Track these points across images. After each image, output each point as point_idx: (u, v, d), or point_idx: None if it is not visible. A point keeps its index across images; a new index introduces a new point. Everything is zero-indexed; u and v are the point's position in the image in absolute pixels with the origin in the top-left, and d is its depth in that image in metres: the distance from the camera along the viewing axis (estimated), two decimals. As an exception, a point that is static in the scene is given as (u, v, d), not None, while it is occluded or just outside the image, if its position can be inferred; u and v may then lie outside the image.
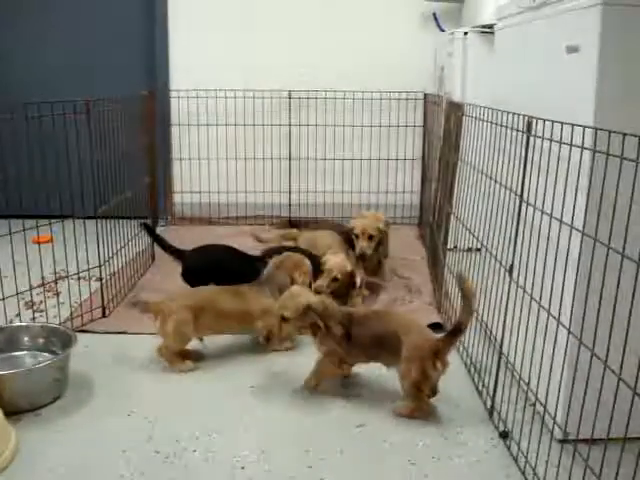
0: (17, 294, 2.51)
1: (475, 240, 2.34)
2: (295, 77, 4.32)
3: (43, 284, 2.69)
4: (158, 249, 3.54)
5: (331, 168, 4.48)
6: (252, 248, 3.32)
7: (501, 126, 2.07)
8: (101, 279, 2.81)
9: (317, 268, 2.78)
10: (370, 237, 3.08)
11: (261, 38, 4.32)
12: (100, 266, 2.72)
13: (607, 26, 1.61)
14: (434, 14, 4.27)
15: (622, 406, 1.35)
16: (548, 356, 1.72)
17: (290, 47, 4.33)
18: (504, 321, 1.98)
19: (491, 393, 2.04)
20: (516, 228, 1.91)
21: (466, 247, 2.49)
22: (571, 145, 1.57)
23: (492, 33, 2.71)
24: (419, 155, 4.42)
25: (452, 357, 2.43)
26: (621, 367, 1.35)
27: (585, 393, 1.49)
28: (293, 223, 4.16)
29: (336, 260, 2.85)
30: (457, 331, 2.00)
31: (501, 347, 2.01)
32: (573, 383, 1.59)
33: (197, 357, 2.42)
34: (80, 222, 2.55)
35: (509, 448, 1.86)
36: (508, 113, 1.99)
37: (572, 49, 1.76)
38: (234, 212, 4.49)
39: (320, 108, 4.38)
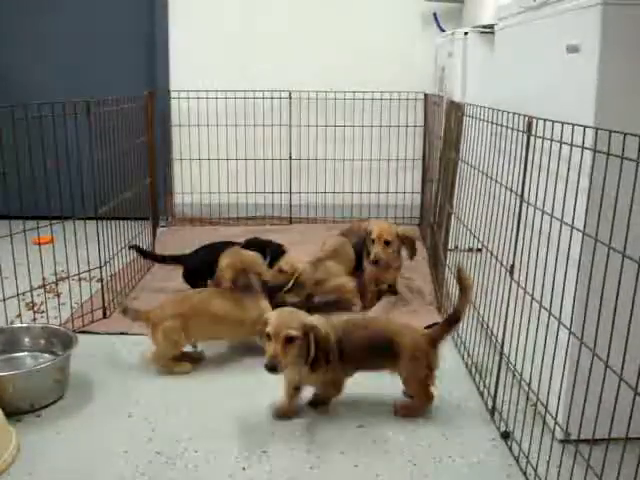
0: (18, 295, 2.51)
1: (476, 240, 2.34)
2: (295, 77, 4.32)
3: (44, 285, 2.69)
4: (160, 251, 3.55)
5: (332, 168, 4.48)
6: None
7: (501, 126, 2.07)
8: (102, 280, 2.81)
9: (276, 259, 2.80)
10: (387, 243, 2.85)
11: (261, 38, 4.32)
12: (101, 267, 2.72)
13: (607, 26, 1.61)
14: (434, 14, 4.27)
15: (623, 406, 1.35)
16: (549, 356, 1.72)
17: (290, 47, 4.33)
18: (505, 321, 1.98)
19: (492, 393, 2.04)
20: (517, 228, 1.91)
21: (467, 247, 2.48)
22: (572, 145, 1.57)
23: (492, 33, 2.71)
24: (420, 155, 4.42)
25: (453, 358, 2.45)
26: (622, 367, 1.35)
27: (586, 393, 1.49)
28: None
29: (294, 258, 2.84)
30: (453, 320, 2.04)
31: (502, 347, 2.01)
32: (574, 383, 1.59)
33: (196, 358, 2.42)
34: (81, 223, 2.55)
35: (510, 448, 1.86)
36: (508, 113, 1.99)
37: (573, 49, 1.75)
38: (235, 213, 4.49)
39: (321, 108, 4.38)
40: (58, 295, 2.88)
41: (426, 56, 4.22)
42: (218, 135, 4.40)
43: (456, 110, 2.72)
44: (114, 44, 4.36)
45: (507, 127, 2.01)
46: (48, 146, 2.34)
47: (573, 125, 1.56)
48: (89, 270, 2.77)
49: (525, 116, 1.83)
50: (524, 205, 1.88)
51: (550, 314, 1.71)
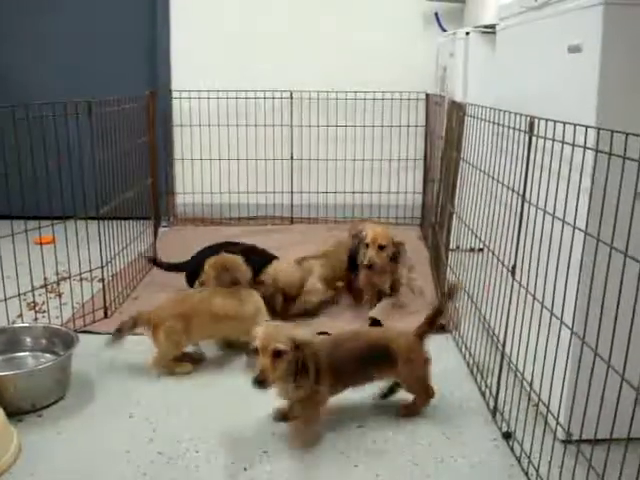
0: (19, 295, 2.51)
1: (477, 240, 2.33)
2: (296, 77, 4.32)
3: (45, 285, 2.69)
4: (161, 251, 3.55)
5: (333, 168, 4.47)
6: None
7: (503, 126, 2.07)
8: (103, 280, 2.81)
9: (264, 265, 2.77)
10: (381, 247, 2.76)
11: (263, 38, 4.32)
12: (102, 267, 2.72)
13: (609, 25, 1.61)
14: (436, 14, 4.27)
15: (625, 406, 1.35)
16: (551, 356, 1.72)
17: (291, 47, 4.33)
18: (507, 321, 1.98)
19: (494, 393, 2.03)
20: (518, 228, 1.91)
21: (468, 247, 2.48)
22: (573, 145, 1.57)
23: (494, 33, 2.71)
24: (421, 155, 4.41)
25: (455, 358, 2.45)
26: (624, 367, 1.34)
27: (588, 393, 1.48)
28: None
29: (280, 267, 2.78)
30: (436, 316, 2.06)
31: (504, 347, 2.01)
32: (576, 383, 1.58)
33: (197, 359, 2.42)
34: (82, 223, 2.55)
35: (512, 449, 1.86)
36: (510, 113, 1.99)
37: (574, 49, 1.75)
38: (236, 213, 4.49)
39: (322, 108, 4.38)
40: (59, 295, 2.88)
41: (427, 56, 4.21)
42: (220, 135, 4.40)
43: (458, 110, 2.72)
44: (115, 44, 4.36)
45: (509, 127, 2.01)
46: (50, 146, 2.34)
47: (575, 125, 1.55)
48: (90, 270, 2.76)
49: (527, 116, 1.82)
50: (526, 205, 1.87)
51: (552, 314, 1.70)
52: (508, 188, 2.04)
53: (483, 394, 2.16)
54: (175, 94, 4.35)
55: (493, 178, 2.19)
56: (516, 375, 2.06)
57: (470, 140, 2.47)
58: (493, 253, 2.14)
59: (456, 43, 3.47)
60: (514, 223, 1.94)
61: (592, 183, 1.58)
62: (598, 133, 1.46)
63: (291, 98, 4.33)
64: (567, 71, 1.83)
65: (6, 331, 2.33)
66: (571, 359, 1.66)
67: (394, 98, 4.34)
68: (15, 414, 1.97)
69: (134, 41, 4.37)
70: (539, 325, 1.80)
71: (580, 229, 1.56)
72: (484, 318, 2.29)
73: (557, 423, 1.75)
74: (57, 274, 2.81)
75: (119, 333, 2.25)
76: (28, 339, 2.33)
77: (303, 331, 1.87)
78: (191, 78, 4.34)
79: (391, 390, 2.11)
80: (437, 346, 2.54)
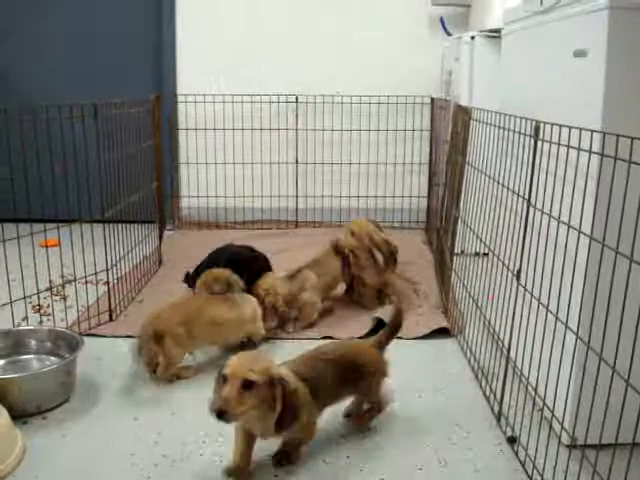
0: (24, 298, 2.52)
1: (482, 244, 2.33)
2: (302, 81, 4.33)
3: (50, 288, 2.70)
4: (166, 255, 3.56)
5: (338, 172, 4.48)
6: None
7: (508, 130, 2.07)
8: (108, 283, 2.81)
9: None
10: (352, 233, 2.95)
11: (268, 43, 4.33)
12: (107, 270, 2.73)
13: (614, 30, 1.61)
14: (441, 19, 4.27)
15: (630, 411, 1.35)
16: (556, 361, 1.72)
17: (297, 51, 4.34)
18: (511, 325, 1.97)
19: (498, 398, 2.03)
20: (524, 232, 1.91)
21: (473, 251, 2.48)
22: (579, 149, 1.57)
23: (499, 37, 2.71)
24: (426, 159, 4.42)
25: (459, 362, 2.44)
26: (629, 372, 1.34)
27: (593, 398, 1.48)
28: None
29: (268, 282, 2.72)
30: (395, 329, 2.01)
31: (508, 352, 2.01)
32: (581, 388, 1.58)
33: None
34: (87, 226, 2.56)
35: (517, 453, 1.85)
36: (515, 117, 1.99)
37: (580, 53, 1.75)
38: (241, 216, 4.50)
39: (327, 112, 4.39)
40: (64, 298, 2.89)
41: (433, 60, 4.22)
42: (225, 139, 4.41)
43: (463, 114, 2.72)
44: (121, 47, 4.37)
45: (514, 131, 2.01)
46: (55, 149, 2.35)
47: (580, 129, 1.55)
48: (95, 273, 2.77)
49: (532, 120, 1.82)
50: (531, 209, 1.87)
51: (557, 318, 1.70)
52: (513, 192, 2.04)
53: (488, 398, 2.16)
54: (180, 98, 4.37)
55: (498, 182, 2.19)
56: (521, 379, 2.06)
57: (475, 144, 2.47)
58: (498, 257, 2.14)
59: (461, 47, 3.47)
60: (519, 227, 1.94)
61: (597, 187, 1.58)
62: (604, 137, 1.45)
63: (296, 102, 4.34)
64: (572, 75, 1.83)
65: (11, 334, 2.33)
66: (576, 364, 1.65)
67: (399, 102, 4.34)
68: (20, 416, 1.98)
69: (140, 45, 4.38)
70: (544, 329, 1.79)
71: (585, 234, 1.56)
72: (489, 322, 2.29)
73: (562, 428, 1.75)
74: (62, 277, 2.81)
75: (141, 351, 2.25)
76: (33, 342, 2.33)
77: (283, 368, 1.69)
78: (197, 82, 4.36)
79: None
80: (441, 350, 2.56)
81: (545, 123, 1.75)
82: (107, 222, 2.68)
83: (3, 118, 2.13)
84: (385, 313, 2.78)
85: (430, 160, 4.36)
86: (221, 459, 1.82)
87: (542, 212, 1.82)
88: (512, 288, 1.98)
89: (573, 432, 1.68)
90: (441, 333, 2.66)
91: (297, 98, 4.32)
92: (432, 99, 4.31)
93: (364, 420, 2.01)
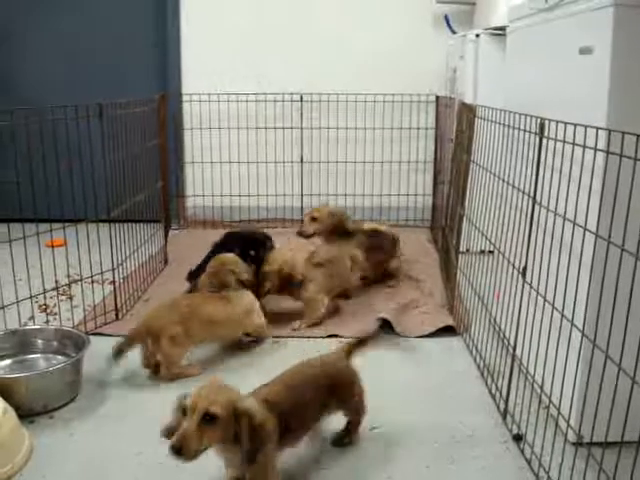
0: (31, 297, 2.53)
1: (488, 242, 2.33)
2: (307, 80, 4.33)
3: (57, 287, 2.71)
4: (171, 254, 3.57)
5: (343, 171, 4.47)
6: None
7: (514, 128, 2.06)
8: (114, 282, 2.82)
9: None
10: (314, 219, 3.13)
11: (273, 41, 4.33)
12: (113, 269, 2.73)
13: (619, 27, 1.60)
14: (445, 16, 4.26)
15: (636, 409, 1.35)
16: (562, 359, 1.72)
17: (302, 50, 4.34)
18: (517, 323, 1.97)
19: (504, 396, 2.03)
20: (529, 230, 1.90)
21: (479, 249, 2.48)
22: (584, 147, 1.56)
23: (504, 35, 2.70)
24: (431, 158, 4.41)
25: (465, 360, 2.44)
26: (635, 369, 1.34)
27: (599, 396, 1.48)
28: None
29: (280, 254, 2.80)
30: (367, 340, 1.96)
31: (514, 350, 2.01)
32: (587, 386, 1.58)
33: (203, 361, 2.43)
34: (93, 226, 2.57)
35: (523, 451, 1.85)
36: (521, 115, 1.99)
37: (586, 50, 1.75)
38: (246, 215, 4.50)
39: (332, 111, 4.38)
40: (71, 297, 2.89)
41: (437, 58, 4.21)
42: (230, 138, 4.41)
43: (468, 112, 2.71)
44: (126, 47, 4.38)
45: (519, 129, 2.00)
46: (61, 149, 2.36)
47: (586, 127, 1.55)
48: (101, 272, 2.78)
49: (537, 118, 1.82)
50: (536, 207, 1.87)
51: (563, 316, 1.70)
52: (519, 190, 2.03)
53: (493, 396, 2.16)
54: (185, 97, 4.37)
55: (503, 180, 2.19)
56: (527, 377, 2.05)
57: (480, 142, 2.47)
58: (503, 255, 2.14)
59: (466, 45, 3.47)
60: (525, 225, 1.93)
61: (603, 185, 1.58)
62: (609, 135, 1.45)
63: (301, 101, 4.34)
64: (578, 73, 1.82)
65: (18, 333, 2.34)
66: (582, 361, 1.65)
67: (404, 100, 4.34)
68: (27, 416, 1.98)
69: (145, 44, 4.38)
70: (550, 327, 1.79)
71: (591, 231, 1.56)
72: (494, 320, 2.28)
73: (568, 425, 1.74)
74: (68, 277, 2.82)
75: (120, 354, 2.23)
76: (40, 341, 2.34)
77: (250, 400, 1.56)
78: (202, 81, 4.35)
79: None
80: (447, 348, 2.55)
81: (550, 120, 1.75)
82: (113, 222, 2.69)
83: (9, 119, 2.14)
84: (391, 312, 2.80)
85: (435, 158, 4.35)
86: (227, 457, 1.82)
87: (547, 210, 1.82)
88: (518, 286, 1.98)
89: (579, 430, 1.68)
90: (447, 331, 2.66)
91: (302, 97, 4.32)
92: (437, 97, 4.30)
93: (353, 434, 1.93)
